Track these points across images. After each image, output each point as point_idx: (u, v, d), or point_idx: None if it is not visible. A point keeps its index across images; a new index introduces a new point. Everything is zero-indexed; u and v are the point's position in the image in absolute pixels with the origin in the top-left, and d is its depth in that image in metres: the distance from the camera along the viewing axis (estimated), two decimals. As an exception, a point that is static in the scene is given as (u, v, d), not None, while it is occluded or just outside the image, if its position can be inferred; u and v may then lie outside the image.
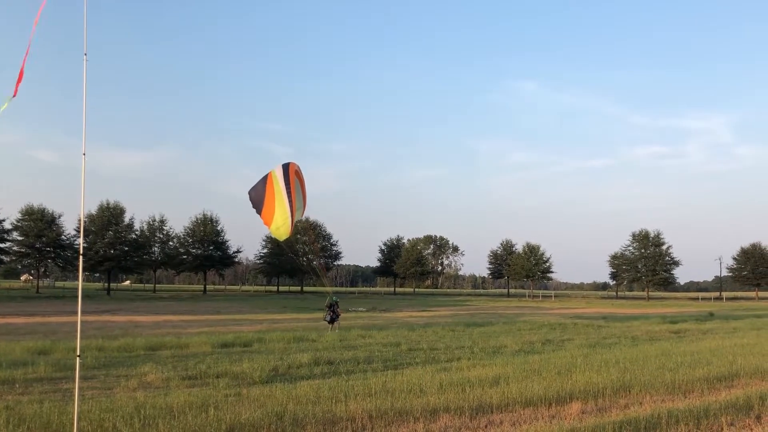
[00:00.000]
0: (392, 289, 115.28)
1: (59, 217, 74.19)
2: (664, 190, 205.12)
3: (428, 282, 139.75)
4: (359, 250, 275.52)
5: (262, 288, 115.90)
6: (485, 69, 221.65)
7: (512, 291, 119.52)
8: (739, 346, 17.48)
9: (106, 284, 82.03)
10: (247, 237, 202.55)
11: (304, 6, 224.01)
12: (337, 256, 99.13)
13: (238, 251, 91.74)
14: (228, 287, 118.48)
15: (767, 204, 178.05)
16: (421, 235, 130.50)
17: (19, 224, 71.78)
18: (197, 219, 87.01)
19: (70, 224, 78.09)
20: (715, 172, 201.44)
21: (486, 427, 7.93)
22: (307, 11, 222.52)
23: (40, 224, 71.19)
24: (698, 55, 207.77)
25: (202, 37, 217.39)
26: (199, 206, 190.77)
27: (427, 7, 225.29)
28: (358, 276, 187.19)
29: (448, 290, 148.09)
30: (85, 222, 72.76)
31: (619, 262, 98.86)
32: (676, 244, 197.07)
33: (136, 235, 79.63)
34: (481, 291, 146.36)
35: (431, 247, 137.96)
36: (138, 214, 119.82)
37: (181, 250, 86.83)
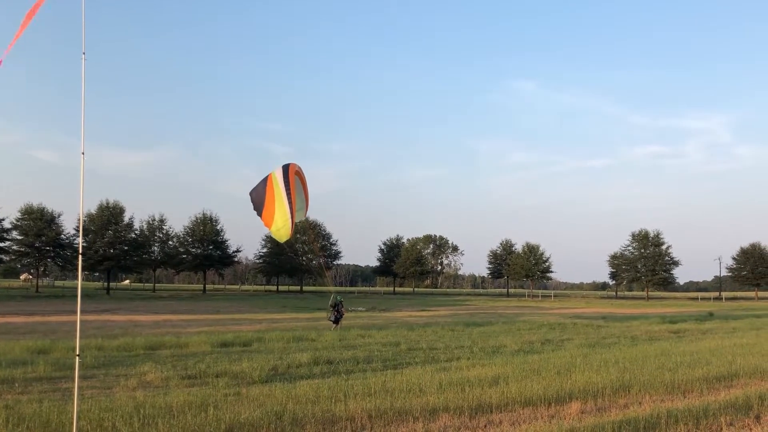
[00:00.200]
0: (392, 288, 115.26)
1: (59, 216, 74.29)
2: (663, 190, 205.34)
3: (428, 282, 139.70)
4: (359, 250, 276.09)
5: (262, 287, 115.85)
6: (485, 69, 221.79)
7: (512, 291, 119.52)
8: (738, 346, 17.48)
9: (106, 283, 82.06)
10: (246, 237, 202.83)
11: (304, 5, 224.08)
12: (336, 255, 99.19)
13: (237, 251, 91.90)
14: (227, 287, 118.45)
15: (767, 204, 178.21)
16: (420, 235, 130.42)
17: (18, 223, 71.75)
18: (197, 218, 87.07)
19: (69, 223, 78.20)
20: (714, 172, 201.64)
21: (485, 426, 7.93)
22: (307, 10, 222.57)
23: (39, 223, 71.16)
24: (698, 55, 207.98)
25: (202, 36, 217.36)
26: (199, 206, 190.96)
27: (427, 6, 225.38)
28: (358, 276, 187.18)
29: (448, 290, 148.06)
30: (84, 221, 72.86)
31: (618, 262, 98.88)
32: (676, 244, 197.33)
33: (135, 234, 79.65)
34: (481, 291, 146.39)
35: (431, 246, 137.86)
36: (138, 214, 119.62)
37: (181, 250, 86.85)
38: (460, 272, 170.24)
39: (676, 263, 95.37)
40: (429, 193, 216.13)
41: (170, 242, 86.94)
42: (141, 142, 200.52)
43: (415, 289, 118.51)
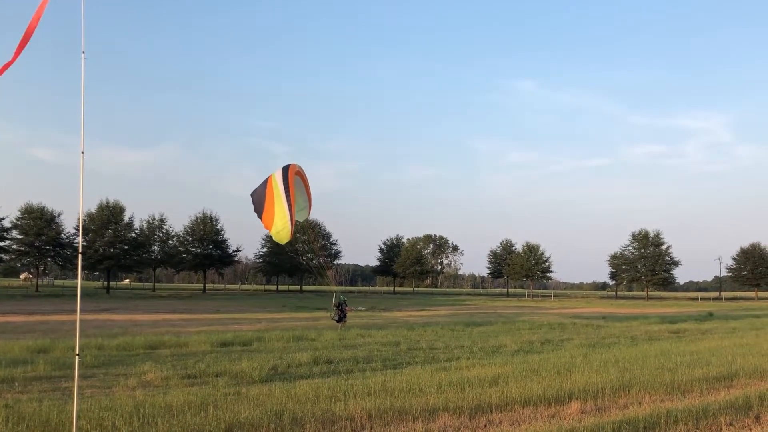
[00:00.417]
0: (392, 288, 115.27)
1: (59, 215, 74.28)
2: (663, 190, 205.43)
3: (427, 281, 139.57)
4: (359, 250, 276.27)
5: (262, 287, 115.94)
6: (484, 68, 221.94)
7: (512, 290, 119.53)
8: (738, 346, 17.48)
9: (106, 283, 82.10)
10: (246, 236, 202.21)
11: (303, 5, 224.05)
12: (336, 255, 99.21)
13: (237, 250, 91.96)
14: (227, 286, 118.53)
15: (767, 204, 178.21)
16: (420, 235, 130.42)
17: (18, 222, 71.75)
18: (197, 218, 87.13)
19: (69, 223, 78.00)
20: (714, 172, 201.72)
21: (485, 426, 7.93)
22: (307, 10, 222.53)
23: (39, 223, 71.15)
24: (697, 55, 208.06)
25: (202, 36, 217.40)
26: (199, 205, 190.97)
27: (427, 6, 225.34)
28: (358, 275, 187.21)
29: (448, 290, 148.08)
30: (84, 220, 72.85)
31: (618, 262, 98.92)
32: (676, 244, 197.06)
33: (135, 233, 79.66)
34: (481, 290, 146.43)
35: (431, 246, 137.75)
36: (137, 213, 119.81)
37: (181, 249, 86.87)
38: (460, 272, 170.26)
39: (676, 263, 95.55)
40: (429, 193, 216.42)
41: (170, 241, 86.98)
42: (141, 141, 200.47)
43: (415, 288, 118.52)
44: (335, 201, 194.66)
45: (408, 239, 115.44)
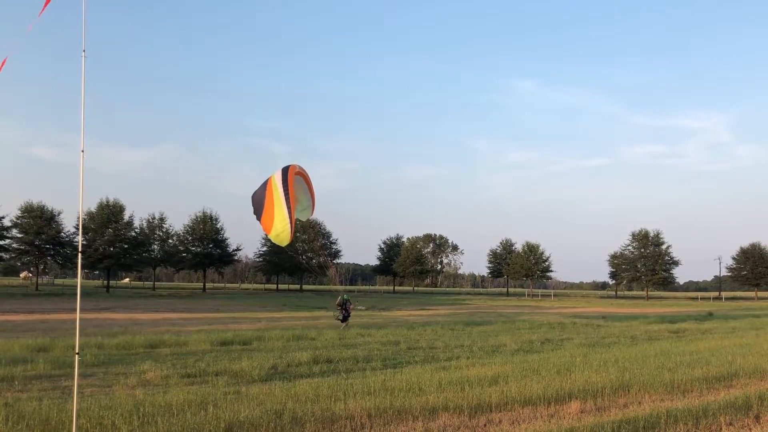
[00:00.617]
0: (391, 287, 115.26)
1: (59, 214, 74.18)
2: (663, 190, 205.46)
3: (427, 281, 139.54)
4: (359, 249, 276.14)
5: (262, 286, 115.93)
6: (484, 68, 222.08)
7: (511, 290, 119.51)
8: (738, 346, 17.48)
9: (106, 282, 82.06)
10: (246, 235, 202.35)
11: (303, 4, 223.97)
12: (336, 254, 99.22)
13: (237, 249, 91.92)
14: (227, 285, 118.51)
15: (767, 204, 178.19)
16: (420, 234, 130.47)
17: (18, 221, 71.71)
18: (197, 217, 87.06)
19: (69, 221, 77.91)
20: (714, 172, 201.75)
21: (485, 426, 7.93)
22: (307, 10, 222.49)
23: (39, 221, 71.11)
24: (697, 55, 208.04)
25: (202, 35, 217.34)
26: (199, 204, 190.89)
27: (426, 5, 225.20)
28: (358, 274, 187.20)
29: (448, 289, 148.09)
30: (84, 219, 72.83)
31: (618, 262, 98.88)
32: (676, 244, 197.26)
33: (135, 232, 79.63)
34: (481, 290, 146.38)
35: (431, 245, 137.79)
36: (137, 212, 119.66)
37: (181, 248, 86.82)
38: (460, 271, 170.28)
39: (675, 263, 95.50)
40: (429, 192, 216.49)
41: (170, 240, 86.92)
42: (141, 140, 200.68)
43: (415, 288, 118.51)
44: (335, 200, 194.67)
45: (408, 239, 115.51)
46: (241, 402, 8.71)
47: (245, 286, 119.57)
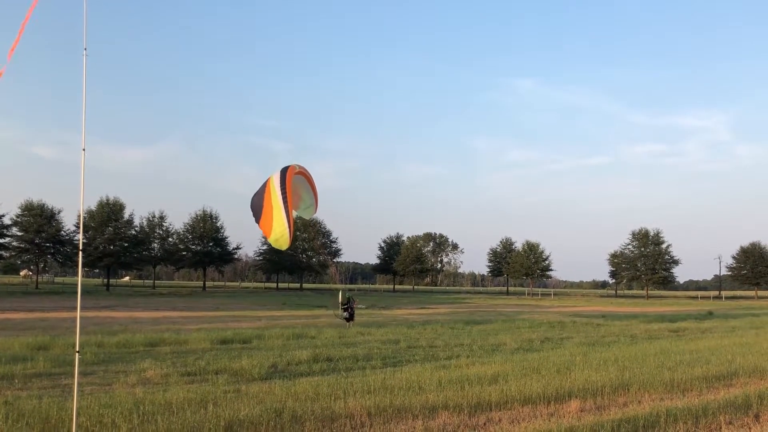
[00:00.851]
0: (391, 286, 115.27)
1: (59, 212, 74.25)
2: (663, 189, 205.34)
3: (427, 279, 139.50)
4: (359, 247, 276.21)
5: (262, 285, 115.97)
6: (483, 67, 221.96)
7: (511, 289, 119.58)
8: (738, 345, 17.49)
9: (106, 280, 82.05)
10: (246, 234, 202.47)
11: (303, 3, 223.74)
12: (336, 253, 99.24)
13: (237, 248, 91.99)
14: (227, 284, 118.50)
15: (767, 203, 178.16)
16: (420, 233, 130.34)
17: (18, 219, 71.74)
18: (197, 215, 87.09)
19: (69, 220, 78.13)
20: (714, 171, 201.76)
21: (485, 424, 7.93)
22: (307, 8, 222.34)
23: (39, 220, 71.14)
24: (697, 54, 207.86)
25: (201, 33, 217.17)
26: (199, 203, 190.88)
27: (426, 4, 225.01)
28: (358, 273, 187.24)
29: (448, 288, 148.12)
30: (84, 218, 72.70)
31: (618, 261, 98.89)
32: (676, 243, 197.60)
33: (135, 231, 79.63)
34: (481, 289, 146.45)
35: (431, 244, 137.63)
36: (138, 210, 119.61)
37: (181, 247, 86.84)
38: (460, 270, 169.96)
39: (676, 262, 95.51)
40: (429, 191, 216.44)
41: (170, 239, 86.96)
42: (141, 138, 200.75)
43: (415, 286, 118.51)
44: (335, 199, 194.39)
45: (408, 237, 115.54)
46: (241, 400, 8.71)
47: (245, 284, 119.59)
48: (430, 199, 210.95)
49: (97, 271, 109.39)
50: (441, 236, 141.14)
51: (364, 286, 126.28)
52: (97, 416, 7.38)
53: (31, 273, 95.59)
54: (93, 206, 75.61)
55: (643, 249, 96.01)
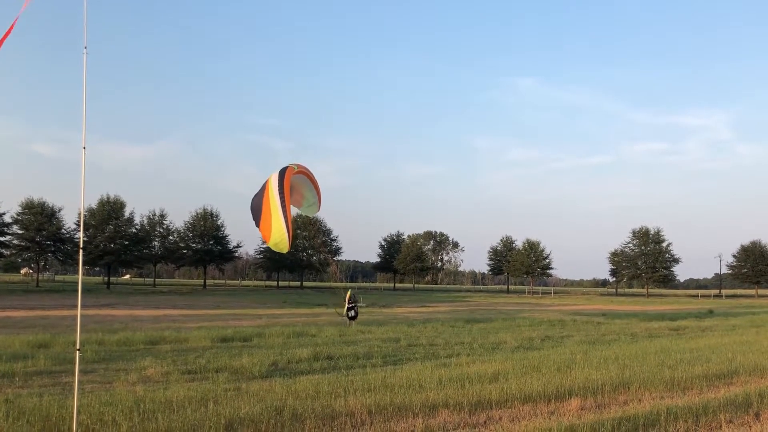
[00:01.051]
0: (392, 284, 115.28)
1: (59, 210, 74.19)
2: (664, 187, 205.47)
3: (428, 278, 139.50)
4: (359, 246, 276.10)
5: (262, 283, 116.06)
6: (484, 66, 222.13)
7: (512, 287, 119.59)
8: (738, 344, 17.49)
9: (106, 278, 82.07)
10: (247, 232, 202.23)
11: (304, 2, 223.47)
12: (337, 251, 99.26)
13: (238, 246, 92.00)
14: (228, 282, 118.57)
15: (767, 201, 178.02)
16: (421, 231, 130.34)
17: (19, 218, 71.72)
18: (197, 213, 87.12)
19: (70, 218, 77.78)
20: (715, 170, 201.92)
21: (485, 422, 7.93)
22: (308, 8, 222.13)
23: (40, 218, 71.13)
24: (698, 53, 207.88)
25: (202, 32, 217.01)
26: (199, 201, 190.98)
27: (426, 5, 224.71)
28: (358, 271, 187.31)
29: (448, 286, 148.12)
30: (85, 216, 72.71)
31: (619, 259, 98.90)
32: (677, 242, 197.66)
33: (136, 229, 79.64)
34: (481, 287, 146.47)
35: (431, 243, 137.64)
36: (138, 209, 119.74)
37: (181, 245, 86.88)
38: (461, 269, 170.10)
39: (676, 260, 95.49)
40: (429, 190, 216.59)
41: (170, 237, 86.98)
42: (142, 136, 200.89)
43: (416, 285, 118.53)
44: (336, 197, 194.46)
45: (408, 236, 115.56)
46: (241, 398, 8.71)
47: (246, 282, 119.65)
48: (431, 198, 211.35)
49: (98, 269, 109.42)
50: (441, 234, 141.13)
51: (364, 284, 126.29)
52: (98, 414, 7.38)
53: (31, 271, 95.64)
54: (94, 204, 75.75)
55: (643, 247, 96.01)
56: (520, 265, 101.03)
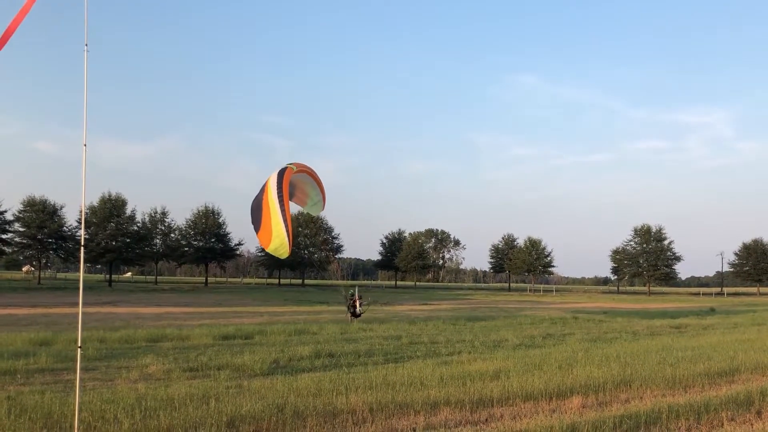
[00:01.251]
0: (393, 282, 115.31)
1: (61, 208, 74.16)
2: (665, 185, 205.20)
3: (429, 276, 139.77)
4: (360, 244, 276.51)
5: (264, 281, 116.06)
6: (485, 63, 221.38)
7: (513, 285, 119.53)
8: (739, 342, 17.47)
9: (108, 276, 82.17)
10: (248, 230, 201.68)
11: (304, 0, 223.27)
12: (338, 249, 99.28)
13: (239, 243, 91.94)
14: (229, 279, 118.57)
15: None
16: (422, 229, 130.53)
17: (20, 215, 71.77)
18: (199, 211, 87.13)
19: (71, 216, 78.15)
20: (716, 167, 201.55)
21: (486, 420, 7.93)
22: (308, 5, 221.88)
23: (41, 215, 71.17)
24: (699, 51, 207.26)
25: (203, 29, 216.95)
26: (201, 198, 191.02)
27: (428, 3, 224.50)
28: (360, 269, 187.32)
29: (449, 284, 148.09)
30: (86, 213, 72.86)
31: (620, 257, 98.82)
32: (678, 240, 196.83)
33: (137, 226, 79.63)
34: (482, 285, 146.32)
35: (432, 240, 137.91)
36: (140, 206, 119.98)
37: (183, 242, 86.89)
38: (462, 266, 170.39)
39: (678, 258, 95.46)
40: (430, 187, 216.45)
41: (172, 235, 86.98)
42: (143, 134, 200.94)
43: (417, 283, 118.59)
44: (337, 195, 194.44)
45: (410, 233, 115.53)
46: (243, 396, 8.72)
47: (247, 280, 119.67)
48: (432, 196, 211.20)
49: (99, 266, 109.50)
50: (443, 232, 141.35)
51: (365, 282, 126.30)
52: (100, 411, 7.40)
53: (33, 269, 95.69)
54: (95, 202, 75.72)
55: (645, 245, 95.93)
56: (521, 263, 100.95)
